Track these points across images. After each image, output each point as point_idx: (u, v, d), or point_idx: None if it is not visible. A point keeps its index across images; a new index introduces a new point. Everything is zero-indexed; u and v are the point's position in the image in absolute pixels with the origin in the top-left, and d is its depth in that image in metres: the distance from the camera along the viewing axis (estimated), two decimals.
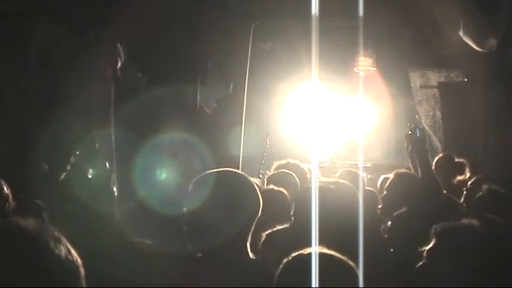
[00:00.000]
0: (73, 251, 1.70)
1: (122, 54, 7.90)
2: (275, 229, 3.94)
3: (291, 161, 6.30)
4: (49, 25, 7.48)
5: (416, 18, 9.20)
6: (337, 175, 5.82)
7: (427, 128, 10.18)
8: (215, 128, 9.18)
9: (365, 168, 9.08)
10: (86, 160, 6.90)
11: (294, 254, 2.34)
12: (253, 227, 2.94)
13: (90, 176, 5.79)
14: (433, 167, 5.44)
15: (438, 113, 10.50)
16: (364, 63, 10.75)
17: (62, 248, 1.68)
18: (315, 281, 2.20)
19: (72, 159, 6.76)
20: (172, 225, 3.53)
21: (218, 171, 3.04)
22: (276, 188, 4.80)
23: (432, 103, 10.63)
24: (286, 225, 3.89)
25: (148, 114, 8.22)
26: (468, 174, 6.51)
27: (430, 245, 2.86)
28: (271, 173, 6.12)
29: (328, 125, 10.35)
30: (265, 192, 4.54)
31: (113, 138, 7.69)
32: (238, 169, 8.40)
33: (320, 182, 4.49)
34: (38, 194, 5.12)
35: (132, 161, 7.81)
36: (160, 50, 8.58)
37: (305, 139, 9.85)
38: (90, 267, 1.75)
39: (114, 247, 3.58)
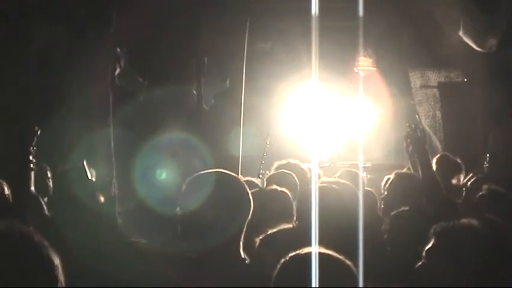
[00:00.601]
0: (50, 251, 1.69)
1: (122, 56, 7.91)
2: (276, 229, 3.93)
3: (291, 161, 6.29)
4: (49, 25, 7.48)
5: (416, 18, 9.20)
6: (337, 175, 5.81)
7: (427, 128, 10.17)
8: (215, 128, 9.18)
9: (365, 168, 9.06)
10: (86, 160, 6.90)
11: (291, 254, 2.34)
12: (245, 228, 2.95)
13: (90, 176, 5.77)
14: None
15: (438, 113, 10.50)
16: (364, 63, 10.74)
17: (36, 248, 1.67)
18: (314, 281, 2.20)
19: (72, 159, 6.75)
20: (172, 225, 3.53)
21: (210, 171, 3.05)
22: (278, 188, 4.79)
23: (432, 103, 10.62)
24: (288, 226, 3.89)
25: (148, 114, 8.22)
26: (465, 174, 6.51)
27: (430, 245, 2.86)
28: (271, 173, 6.11)
29: (328, 125, 10.34)
30: (267, 193, 4.55)
31: (113, 139, 7.69)
32: (238, 169, 8.42)
33: (322, 182, 4.50)
34: (38, 194, 5.11)
35: (131, 161, 7.81)
36: (161, 49, 8.58)
37: (305, 139, 9.84)
38: (90, 267, 1.75)
39: (113, 247, 3.59)
